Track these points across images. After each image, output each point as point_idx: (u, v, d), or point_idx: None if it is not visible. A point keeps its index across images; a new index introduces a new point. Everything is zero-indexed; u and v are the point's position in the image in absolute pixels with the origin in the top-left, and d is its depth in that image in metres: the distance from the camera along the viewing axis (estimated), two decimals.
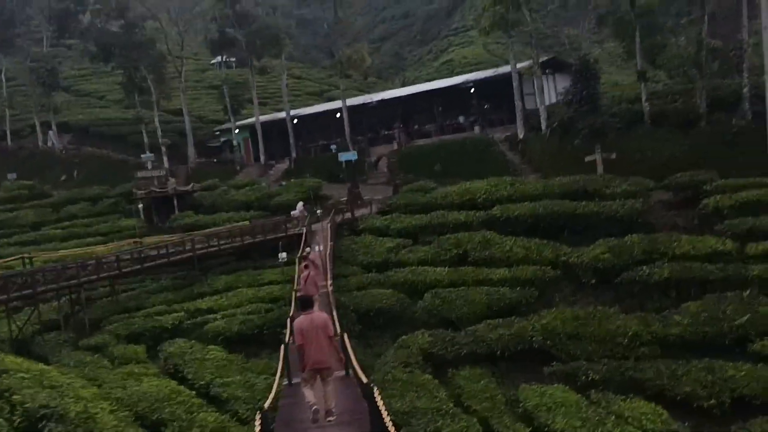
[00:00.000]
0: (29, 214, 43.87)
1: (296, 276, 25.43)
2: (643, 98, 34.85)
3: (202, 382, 19.88)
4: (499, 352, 22.12)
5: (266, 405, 8.43)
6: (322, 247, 27.53)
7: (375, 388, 6.62)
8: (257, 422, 7.18)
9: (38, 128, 56.46)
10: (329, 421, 9.75)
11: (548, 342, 22.01)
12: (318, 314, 10.77)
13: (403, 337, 23.25)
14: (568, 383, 20.01)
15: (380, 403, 6.37)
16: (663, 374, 19.38)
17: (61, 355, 22.34)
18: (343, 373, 12.44)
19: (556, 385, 19.76)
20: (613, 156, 31.60)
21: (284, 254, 27.57)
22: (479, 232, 29.32)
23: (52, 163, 53.44)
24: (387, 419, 5.90)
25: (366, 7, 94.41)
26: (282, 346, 12.99)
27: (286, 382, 12.64)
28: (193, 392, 18.48)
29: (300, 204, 37.38)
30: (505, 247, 27.80)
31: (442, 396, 18.89)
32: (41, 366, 17.72)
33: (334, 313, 18.28)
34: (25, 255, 32.59)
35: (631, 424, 17.13)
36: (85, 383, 17.32)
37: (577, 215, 28.36)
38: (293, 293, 21.25)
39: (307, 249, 27.40)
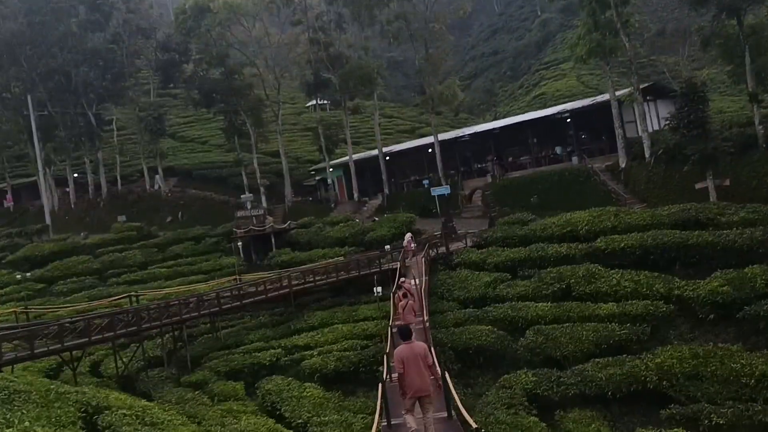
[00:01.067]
0: (137, 254, 45.87)
1: (391, 311, 25.04)
2: (756, 121, 32.51)
3: (299, 421, 19.56)
4: (610, 394, 20.62)
5: None
6: (417, 281, 26.95)
7: None
8: None
9: (146, 173, 59.47)
10: None
11: (664, 382, 20.30)
12: (417, 343, 11.20)
13: (505, 376, 22.13)
14: (689, 428, 18.28)
15: None
16: None
17: (163, 391, 22.72)
18: (445, 414, 11.72)
19: (675, 430, 18.09)
20: (727, 182, 29.45)
21: (379, 289, 27.26)
22: (582, 265, 27.85)
23: (159, 206, 55.99)
24: None
25: (455, 46, 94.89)
26: (380, 385, 12.38)
27: (384, 423, 12.01)
28: (291, 431, 18.11)
29: (408, 235, 36.96)
30: (611, 280, 26.20)
31: None
32: (144, 402, 17.91)
33: (432, 350, 17.51)
34: (132, 293, 33.81)
35: None
36: (185, 420, 17.32)
37: (689, 246, 26.41)
38: (389, 329, 20.72)
39: (402, 279, 26.85)
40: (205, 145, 69.77)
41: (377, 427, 11.13)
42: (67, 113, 58.43)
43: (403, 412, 10.79)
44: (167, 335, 28.78)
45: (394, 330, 19.18)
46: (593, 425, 18.80)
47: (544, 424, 18.85)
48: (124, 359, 26.06)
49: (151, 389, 23.33)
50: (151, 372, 25.87)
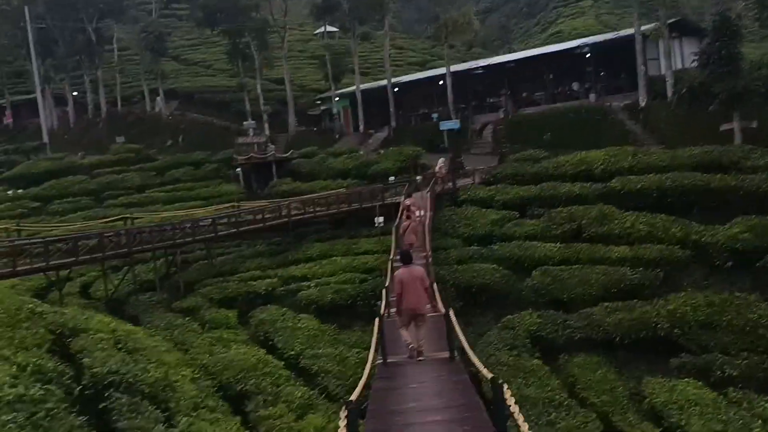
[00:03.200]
0: (134, 176, 44.76)
1: (393, 245, 23.98)
2: None
3: (292, 352, 18.74)
4: (617, 339, 19.72)
5: (354, 395, 6.71)
6: (422, 212, 25.79)
7: (504, 386, 4.77)
8: (342, 417, 5.50)
9: (146, 94, 57.67)
10: (420, 360, 11.03)
11: (676, 330, 19.39)
12: (416, 267, 12.11)
13: (509, 316, 21.23)
14: (700, 378, 17.42)
15: (510, 400, 4.54)
16: None
17: (152, 316, 21.87)
18: (446, 354, 10.68)
19: (686, 380, 17.22)
20: (754, 124, 27.78)
21: (381, 219, 25.99)
22: (596, 205, 26.60)
23: (159, 129, 54.42)
24: (520, 419, 4.09)
25: None
26: (376, 320, 11.29)
27: (380, 360, 10.97)
28: (282, 363, 17.29)
29: (441, 160, 35.47)
30: (625, 222, 24.98)
31: (554, 385, 16.82)
32: (129, 327, 17.01)
33: (435, 287, 16.46)
34: (127, 215, 32.78)
35: None
36: (171, 347, 16.48)
37: (710, 190, 25.06)
38: (389, 263, 19.68)
39: (409, 200, 25.74)
40: (209, 69, 67.38)
41: (372, 363, 10.09)
42: (66, 27, 56.16)
43: (398, 326, 11.75)
44: (161, 260, 27.85)
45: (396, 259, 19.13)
46: (599, 371, 17.92)
47: (547, 368, 18.01)
48: (115, 282, 25.14)
49: (140, 314, 22.47)
50: (142, 296, 25.01)
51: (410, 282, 11.43)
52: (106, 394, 10.18)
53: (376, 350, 10.95)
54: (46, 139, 56.25)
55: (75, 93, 61.10)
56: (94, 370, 10.80)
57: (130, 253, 24.10)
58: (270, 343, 19.99)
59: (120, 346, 14.53)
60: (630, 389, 17.28)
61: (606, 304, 21.07)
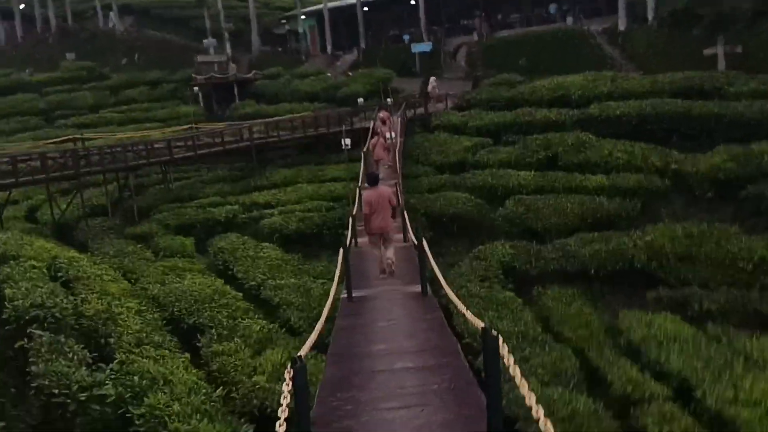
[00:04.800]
0: (87, 96, 42.17)
1: (361, 173, 22.73)
2: None
3: (252, 283, 17.49)
4: (593, 271, 18.91)
5: (307, 345, 5.53)
6: (393, 134, 24.45)
7: (500, 338, 3.63)
8: (287, 376, 4.33)
9: (99, 9, 54.01)
10: (392, 272, 11.46)
11: (653, 262, 18.59)
12: (383, 188, 12.26)
13: (481, 247, 20.22)
14: (678, 312, 16.73)
15: (508, 357, 3.41)
16: None
17: (102, 242, 20.35)
18: (418, 289, 9.60)
19: (663, 313, 16.52)
20: (739, 49, 26.63)
21: (348, 140, 24.47)
22: (572, 132, 25.50)
23: (113, 46, 51.19)
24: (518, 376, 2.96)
25: None
26: (341, 250, 10.07)
27: (344, 294, 9.83)
28: (241, 294, 16.08)
29: (433, 78, 33.91)
30: (603, 150, 23.97)
31: (528, 318, 15.90)
32: (72, 253, 15.59)
33: (405, 215, 15.31)
34: (78, 136, 30.66)
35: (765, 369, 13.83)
36: (117, 276, 15.13)
37: (692, 117, 24.08)
38: (357, 190, 18.41)
39: (379, 113, 25.01)
40: None
41: (335, 297, 8.94)
42: None
43: (369, 245, 12.33)
44: (113, 183, 26.10)
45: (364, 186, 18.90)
46: (574, 304, 17.08)
47: (520, 300, 17.14)
48: (62, 206, 23.44)
49: (89, 240, 20.93)
50: (93, 221, 23.38)
51: (377, 203, 11.65)
52: (28, 330, 8.92)
53: (340, 283, 9.80)
54: None
55: (22, 6, 56.92)
56: (15, 303, 9.47)
57: (78, 176, 22.30)
58: (229, 272, 18.71)
59: (60, 274, 13.17)
60: (606, 323, 16.52)
61: (581, 234, 20.21)
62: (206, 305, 14.10)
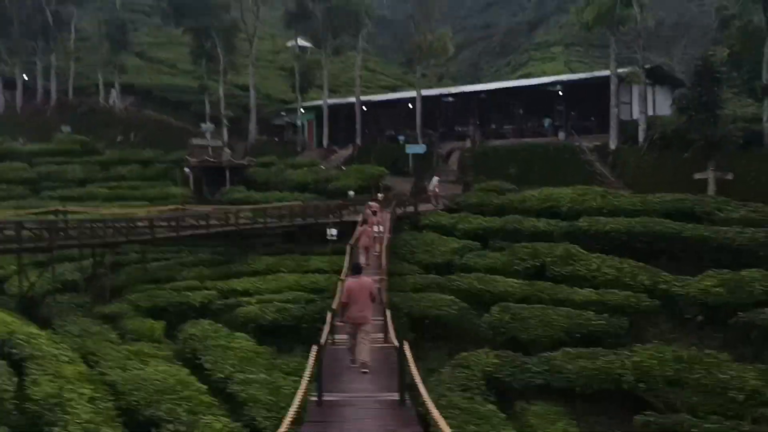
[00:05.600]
0: (77, 169, 41.96)
1: (345, 266, 22.16)
2: (765, 117, 30.11)
3: (220, 375, 16.53)
4: (578, 389, 18.09)
5: None
6: (382, 228, 24.16)
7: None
8: None
9: (101, 86, 54.79)
10: (364, 372, 11.19)
11: (641, 385, 17.83)
12: (365, 278, 12.43)
13: (464, 353, 19.43)
14: None
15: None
16: None
17: (67, 320, 19.35)
18: (396, 396, 8.84)
19: None
20: (730, 176, 26.96)
21: (334, 231, 23.97)
22: (561, 244, 25.25)
23: (111, 122, 51.53)
24: None
25: (447, 14, 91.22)
26: (313, 347, 9.33)
27: (314, 397, 9.04)
28: (206, 386, 15.08)
29: (435, 178, 34.04)
30: (591, 264, 23.65)
31: None
32: (32, 330, 14.65)
33: (388, 314, 14.64)
34: (59, 208, 30.08)
35: None
36: (75, 357, 14.16)
37: (682, 238, 23.96)
38: (340, 284, 17.79)
39: (370, 203, 25.76)
40: (172, 69, 64.59)
41: (302, 398, 8.13)
42: (23, 6, 53.14)
43: (345, 335, 12.40)
44: (90, 259, 25.28)
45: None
46: (560, 423, 16.21)
47: (503, 415, 16.23)
48: (32, 279, 22.52)
49: (54, 316, 19.92)
50: (62, 297, 22.42)
51: (358, 292, 11.80)
52: None
53: (309, 381, 9.02)
54: None
55: (26, 78, 57.76)
56: None
57: (51, 248, 21.56)
58: (197, 361, 17.76)
59: (14, 351, 12.25)
60: None
61: (568, 349, 19.48)
62: (166, 396, 13.17)
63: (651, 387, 17.73)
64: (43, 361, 12.24)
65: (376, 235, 23.22)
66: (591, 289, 22.54)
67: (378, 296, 13.36)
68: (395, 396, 8.97)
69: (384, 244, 23.89)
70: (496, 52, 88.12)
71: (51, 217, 29.91)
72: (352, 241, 24.88)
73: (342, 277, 20.23)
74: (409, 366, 8.73)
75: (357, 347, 11.55)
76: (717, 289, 20.87)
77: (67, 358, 13.42)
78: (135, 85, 57.47)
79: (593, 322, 20.75)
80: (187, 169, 39.24)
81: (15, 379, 9.75)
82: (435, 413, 6.20)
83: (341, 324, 12.82)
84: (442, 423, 5.60)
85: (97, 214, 31.33)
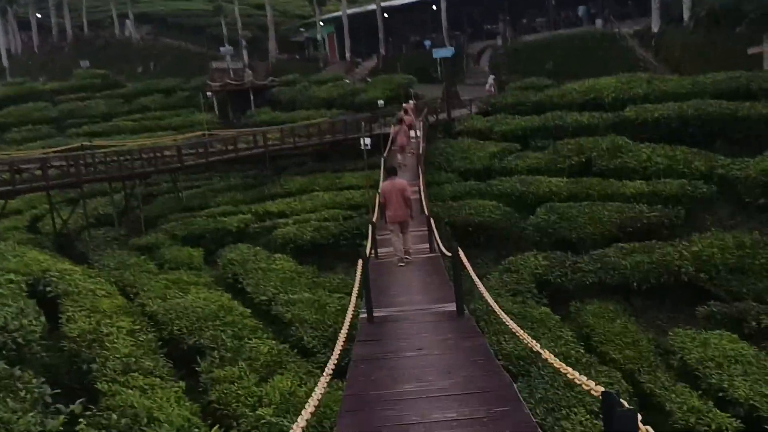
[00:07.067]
0: (100, 104, 41.25)
1: (381, 177, 21.24)
2: None
3: (263, 297, 16.07)
4: (635, 285, 17.22)
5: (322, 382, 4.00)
6: (418, 133, 23.19)
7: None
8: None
9: (115, 18, 53.30)
10: (407, 258, 12.55)
11: (702, 275, 16.89)
12: (399, 180, 12.88)
13: (511, 258, 18.62)
14: (733, 330, 15.02)
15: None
16: None
17: (103, 254, 19.00)
18: (452, 307, 8.05)
19: (717, 332, 14.81)
20: None
21: (368, 140, 23.00)
22: (607, 136, 23.82)
23: (129, 54, 50.41)
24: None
25: None
26: (359, 261, 8.54)
27: (364, 314, 8.31)
28: (250, 311, 14.60)
29: (491, 77, 32.78)
30: (641, 155, 22.27)
31: (568, 336, 14.30)
32: (67, 266, 14.22)
33: (432, 223, 13.81)
34: (86, 143, 29.51)
35: None
36: (113, 290, 13.73)
37: (738, 119, 22.31)
38: (377, 197, 16.97)
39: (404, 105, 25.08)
40: None
41: (352, 316, 7.39)
42: None
43: (388, 234, 12.91)
44: (120, 192, 24.84)
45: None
46: (618, 321, 15.43)
47: (558, 317, 15.51)
48: (65, 216, 22.18)
49: (90, 251, 19.60)
50: (97, 232, 22.09)
51: (393, 193, 12.34)
52: None
53: (358, 300, 8.28)
54: (5, 63, 52.01)
55: (39, 16, 56.49)
56: None
57: (80, 183, 21.06)
58: (238, 286, 17.33)
59: (48, 289, 11.77)
60: (655, 343, 14.83)
61: (621, 244, 18.52)
62: (209, 323, 12.67)
63: (712, 276, 16.83)
64: (78, 296, 11.78)
65: (413, 139, 22.35)
66: (642, 181, 21.30)
67: (428, 221, 13.66)
68: (451, 307, 8.18)
69: (419, 152, 22.80)
70: None
71: (79, 153, 29.34)
72: (385, 153, 23.85)
73: (379, 190, 19.37)
74: (465, 273, 7.89)
75: (401, 242, 12.45)
76: None
77: (104, 292, 12.99)
78: (149, 13, 55.91)
79: (646, 215, 19.62)
80: (209, 93, 38.12)
81: (43, 319, 9.21)
82: (508, 321, 5.36)
83: (384, 233, 13.37)
84: (518, 330, 4.76)
85: (124, 146, 30.71)
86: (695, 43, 30.06)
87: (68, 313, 10.70)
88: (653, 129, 23.54)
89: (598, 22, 37.72)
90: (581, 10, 39.70)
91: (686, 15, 31.56)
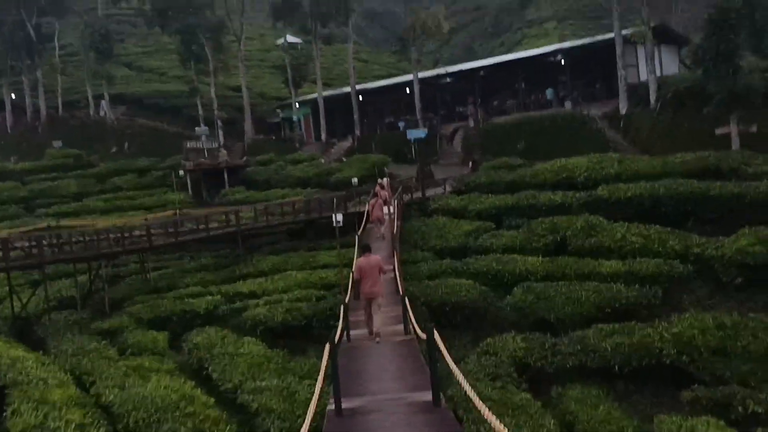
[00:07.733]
0: (71, 184, 40.78)
1: (355, 257, 20.81)
2: None
3: (228, 385, 15.26)
4: (617, 367, 16.70)
5: None
6: (391, 209, 22.98)
7: None
8: None
9: (90, 98, 53.50)
10: (377, 341, 12.65)
11: (684, 357, 16.44)
12: (373, 256, 13.54)
13: (489, 340, 18.07)
14: (719, 416, 14.47)
15: None
16: None
17: (62, 339, 18.06)
18: (428, 397, 7.49)
19: (703, 417, 14.24)
20: (754, 128, 25.37)
21: (340, 216, 22.66)
22: (580, 216, 23.81)
23: (103, 134, 50.33)
24: None
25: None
26: (327, 346, 7.97)
27: (332, 405, 7.68)
28: (213, 399, 13.77)
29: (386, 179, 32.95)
30: (615, 234, 22.19)
31: (550, 425, 13.64)
32: (20, 353, 13.36)
33: (407, 303, 13.33)
34: (52, 224, 28.82)
35: None
36: (66, 379, 12.86)
37: (710, 198, 22.47)
38: (350, 276, 16.49)
39: (380, 180, 25.95)
40: (162, 77, 63.30)
41: (315, 405, 6.77)
42: (3, 22, 51.83)
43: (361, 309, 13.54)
44: (87, 273, 24.00)
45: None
46: (602, 407, 14.82)
47: (539, 403, 14.86)
48: (25, 299, 21.26)
49: (49, 336, 18.64)
50: (58, 315, 21.14)
51: (368, 269, 12.96)
52: None
53: (323, 389, 7.67)
54: None
55: (13, 96, 56.55)
56: None
57: (42, 264, 20.28)
58: (204, 373, 16.47)
59: None
60: (639, 430, 14.21)
61: (600, 326, 18.09)
62: (169, 415, 11.82)
63: (694, 359, 16.38)
64: (28, 387, 10.95)
65: (386, 215, 22.36)
66: (618, 260, 21.13)
67: (402, 302, 13.72)
68: (427, 396, 7.61)
69: (394, 232, 22.52)
70: (488, 33, 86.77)
71: (43, 234, 28.55)
72: (359, 232, 23.55)
73: (352, 270, 18.92)
74: (441, 359, 7.38)
75: (372, 320, 12.88)
76: (755, 247, 19.35)
77: (57, 381, 12.13)
78: (125, 95, 56.24)
79: (624, 295, 19.34)
80: (181, 172, 37.87)
81: None
82: (488, 415, 4.85)
83: (358, 313, 13.82)
84: (498, 427, 4.25)
85: (92, 227, 30.01)
86: (663, 124, 30.79)
87: (14, 406, 9.87)
88: (626, 208, 23.62)
89: (567, 104, 38.67)
90: (549, 92, 40.75)
91: (653, 97, 32.45)
